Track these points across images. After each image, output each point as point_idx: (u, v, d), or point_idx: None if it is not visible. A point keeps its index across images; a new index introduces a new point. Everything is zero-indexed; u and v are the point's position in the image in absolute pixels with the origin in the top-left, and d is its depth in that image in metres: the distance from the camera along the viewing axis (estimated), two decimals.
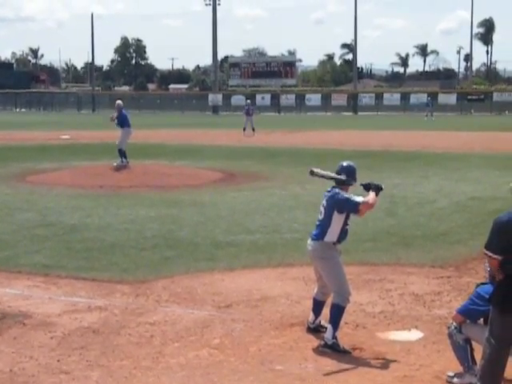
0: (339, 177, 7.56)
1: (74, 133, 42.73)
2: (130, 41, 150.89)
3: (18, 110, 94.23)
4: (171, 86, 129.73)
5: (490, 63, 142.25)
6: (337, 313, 7.28)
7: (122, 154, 22.88)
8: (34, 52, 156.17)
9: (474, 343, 6.27)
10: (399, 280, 9.77)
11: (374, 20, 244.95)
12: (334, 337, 7.16)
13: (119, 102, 24.05)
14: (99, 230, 13.40)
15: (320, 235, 7.52)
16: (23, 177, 21.85)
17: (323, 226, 7.54)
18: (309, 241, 7.63)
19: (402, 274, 10.08)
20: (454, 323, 6.38)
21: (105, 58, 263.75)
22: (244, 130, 42.51)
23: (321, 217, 7.66)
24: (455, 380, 6.34)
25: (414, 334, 7.66)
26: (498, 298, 5.60)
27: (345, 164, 7.90)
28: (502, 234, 5.55)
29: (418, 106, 76.98)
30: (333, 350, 7.10)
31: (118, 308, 8.57)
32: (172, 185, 19.98)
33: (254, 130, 42.14)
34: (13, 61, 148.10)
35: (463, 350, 6.31)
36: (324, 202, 7.80)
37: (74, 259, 11.08)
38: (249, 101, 49.77)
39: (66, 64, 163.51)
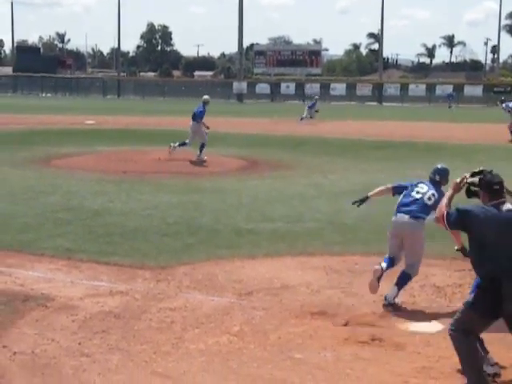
0: None
1: (98, 118, 42.89)
2: (157, 27, 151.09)
3: (43, 94, 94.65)
4: (196, 73, 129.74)
5: None
6: (406, 279, 8.46)
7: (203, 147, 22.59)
8: (61, 37, 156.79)
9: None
10: (420, 271, 9.69)
11: (401, 10, 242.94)
12: (395, 296, 8.26)
13: (207, 97, 24.06)
14: (122, 215, 13.47)
15: (423, 215, 8.47)
16: (48, 161, 22.00)
17: (429, 209, 8.39)
18: (404, 216, 8.52)
19: (424, 265, 9.99)
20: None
21: (131, 43, 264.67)
22: (302, 119, 42.99)
23: (429, 201, 8.49)
24: None
25: (434, 326, 7.65)
26: (475, 295, 5.79)
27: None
28: (463, 223, 5.90)
29: (443, 97, 76.41)
30: (393, 307, 8.12)
31: (139, 293, 8.63)
32: (195, 172, 20.04)
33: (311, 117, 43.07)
34: (40, 45, 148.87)
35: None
36: (433, 189, 8.60)
37: (96, 243, 11.16)
38: (317, 97, 49.77)
39: (92, 49, 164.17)
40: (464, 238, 6.51)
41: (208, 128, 23.10)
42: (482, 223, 5.68)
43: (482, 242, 5.70)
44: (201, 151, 22.53)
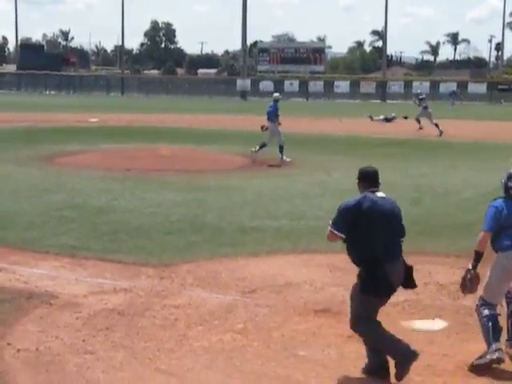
0: None
1: (102, 116, 42.94)
2: (160, 24, 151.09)
3: (47, 92, 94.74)
4: (200, 71, 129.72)
5: None
6: None
7: (282, 149, 22.35)
8: (65, 34, 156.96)
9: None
10: (424, 269, 9.72)
11: (405, 7, 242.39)
12: None
13: (277, 94, 23.91)
14: (125, 212, 13.49)
15: None
16: (52, 159, 22.02)
17: None
18: None
19: (427, 263, 10.04)
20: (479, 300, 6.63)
21: (134, 41, 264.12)
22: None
23: None
24: (477, 361, 6.41)
25: (438, 324, 7.65)
26: (366, 283, 6.15)
27: None
28: (349, 216, 6.18)
29: (447, 94, 76.36)
30: None
31: (142, 290, 8.64)
32: (199, 169, 20.05)
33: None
34: (43, 43, 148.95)
35: (485, 329, 6.49)
36: None
37: (100, 241, 11.17)
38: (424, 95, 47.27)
39: (96, 47, 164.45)
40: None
41: (279, 124, 22.82)
42: (363, 213, 6.17)
43: (367, 229, 6.14)
44: (282, 153, 22.34)
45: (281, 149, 22.37)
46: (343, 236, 6.24)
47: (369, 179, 6.46)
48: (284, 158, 22.27)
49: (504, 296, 6.78)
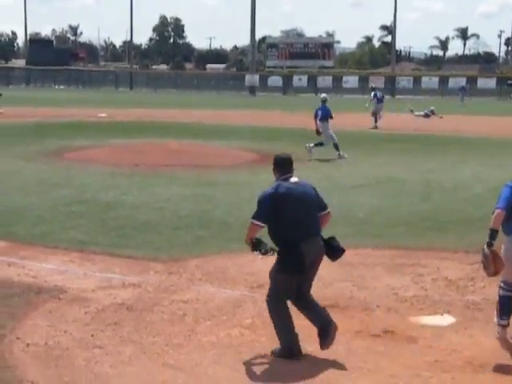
0: None
1: (111, 111, 42.98)
2: (169, 19, 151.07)
3: (56, 87, 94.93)
4: (208, 66, 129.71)
5: None
6: None
7: (337, 146, 22.34)
8: (74, 29, 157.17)
9: None
10: (432, 265, 9.72)
11: (414, 2, 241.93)
12: None
13: (324, 95, 23.80)
14: (134, 208, 13.51)
15: None
16: (60, 154, 22.06)
17: None
18: None
19: (436, 258, 10.03)
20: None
21: (143, 36, 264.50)
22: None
23: None
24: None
25: (447, 319, 7.64)
26: (283, 263, 6.61)
27: None
28: (268, 204, 6.61)
29: (456, 90, 76.15)
30: None
31: (151, 285, 8.66)
32: (207, 165, 20.05)
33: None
34: (52, 38, 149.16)
35: (497, 306, 7.14)
36: None
37: (108, 236, 11.20)
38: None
39: (105, 42, 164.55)
40: None
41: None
42: (281, 200, 6.60)
43: (283, 214, 6.56)
44: (338, 149, 22.22)
45: (336, 146, 22.33)
46: (264, 225, 6.64)
47: (283, 166, 6.95)
48: (342, 154, 22.13)
49: None
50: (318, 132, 22.84)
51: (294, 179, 6.81)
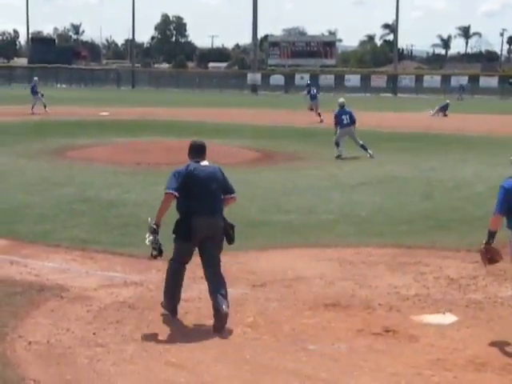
0: None
1: (113, 109, 42.98)
2: (171, 18, 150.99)
3: (58, 85, 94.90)
4: (210, 65, 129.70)
5: None
6: None
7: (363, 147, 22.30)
8: (76, 28, 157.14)
9: None
10: (434, 263, 9.72)
11: (416, 1, 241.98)
12: None
13: (342, 100, 23.40)
14: (136, 206, 13.50)
15: None
16: (62, 152, 22.08)
17: None
18: None
19: (438, 257, 10.03)
20: None
21: (145, 34, 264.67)
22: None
23: None
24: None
25: (448, 318, 7.64)
26: (176, 229, 7.63)
27: None
28: (178, 178, 7.71)
29: (456, 88, 76.13)
30: None
31: (153, 284, 8.66)
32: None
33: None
34: (55, 36, 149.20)
35: None
36: None
37: (110, 234, 11.20)
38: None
39: (107, 40, 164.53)
40: None
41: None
42: (188, 176, 7.65)
43: (187, 189, 7.53)
44: (366, 150, 22.18)
45: (363, 147, 22.32)
46: (177, 194, 7.51)
47: (194, 151, 8.07)
48: (370, 153, 22.05)
49: None
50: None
51: (204, 163, 7.86)
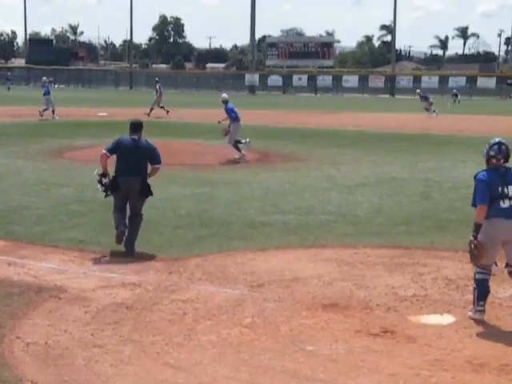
0: None
1: (111, 110, 42.95)
2: (169, 19, 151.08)
3: (56, 86, 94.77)
4: (208, 65, 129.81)
5: None
6: None
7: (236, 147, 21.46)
8: (74, 29, 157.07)
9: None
10: (432, 264, 9.73)
11: (414, 1, 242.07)
12: None
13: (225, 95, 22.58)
14: None
15: None
16: (60, 153, 22.07)
17: None
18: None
19: (436, 257, 10.03)
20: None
21: (143, 35, 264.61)
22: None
23: None
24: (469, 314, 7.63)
25: (446, 319, 7.64)
26: (110, 184, 10.51)
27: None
28: (114, 145, 10.67)
29: (457, 89, 76.10)
30: None
31: (151, 285, 8.66)
32: (207, 164, 20.06)
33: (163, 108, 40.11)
34: (52, 37, 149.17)
35: (475, 290, 7.61)
36: None
37: (108, 235, 11.17)
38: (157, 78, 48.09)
39: (105, 41, 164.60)
40: None
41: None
42: (118, 144, 10.56)
43: (117, 154, 10.48)
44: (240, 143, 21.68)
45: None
46: (108, 154, 10.49)
47: (131, 128, 10.72)
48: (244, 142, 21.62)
49: (495, 258, 7.61)
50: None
51: (135, 137, 10.53)
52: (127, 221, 10.24)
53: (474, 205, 7.66)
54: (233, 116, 21.83)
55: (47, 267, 9.39)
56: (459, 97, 62.99)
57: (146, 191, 10.41)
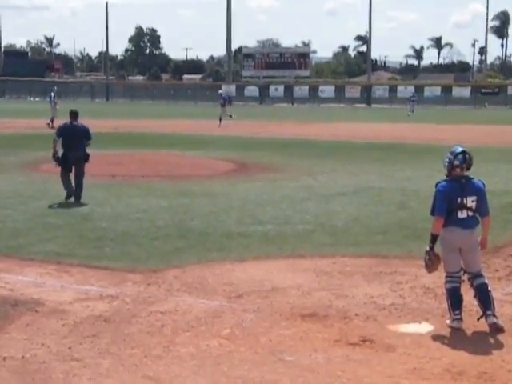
0: None
1: (87, 122, 42.67)
2: (145, 30, 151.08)
3: (32, 98, 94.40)
4: (185, 77, 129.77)
5: (505, 56, 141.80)
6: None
7: None
8: (49, 41, 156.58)
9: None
10: (410, 273, 9.76)
11: (388, 12, 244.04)
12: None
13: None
14: (111, 219, 13.44)
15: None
16: (36, 165, 21.94)
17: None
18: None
19: (414, 266, 10.06)
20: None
21: (119, 47, 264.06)
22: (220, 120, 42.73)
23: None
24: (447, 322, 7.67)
25: (425, 327, 7.66)
26: (60, 159, 15.24)
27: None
28: (59, 130, 15.64)
29: (432, 98, 76.72)
30: None
31: (129, 297, 8.61)
32: (184, 175, 20.02)
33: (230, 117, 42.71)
34: (28, 49, 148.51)
35: (447, 300, 7.68)
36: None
37: (85, 248, 11.13)
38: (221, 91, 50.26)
39: (81, 53, 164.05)
40: None
41: None
42: (62, 129, 15.32)
43: (63, 136, 15.12)
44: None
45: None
46: (57, 138, 14.97)
47: (70, 116, 15.40)
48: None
49: (459, 264, 7.68)
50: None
51: (75, 123, 15.33)
52: (73, 181, 15.13)
53: (433, 214, 7.75)
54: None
55: (24, 280, 9.31)
56: (415, 106, 63.37)
57: (87, 157, 15.31)
